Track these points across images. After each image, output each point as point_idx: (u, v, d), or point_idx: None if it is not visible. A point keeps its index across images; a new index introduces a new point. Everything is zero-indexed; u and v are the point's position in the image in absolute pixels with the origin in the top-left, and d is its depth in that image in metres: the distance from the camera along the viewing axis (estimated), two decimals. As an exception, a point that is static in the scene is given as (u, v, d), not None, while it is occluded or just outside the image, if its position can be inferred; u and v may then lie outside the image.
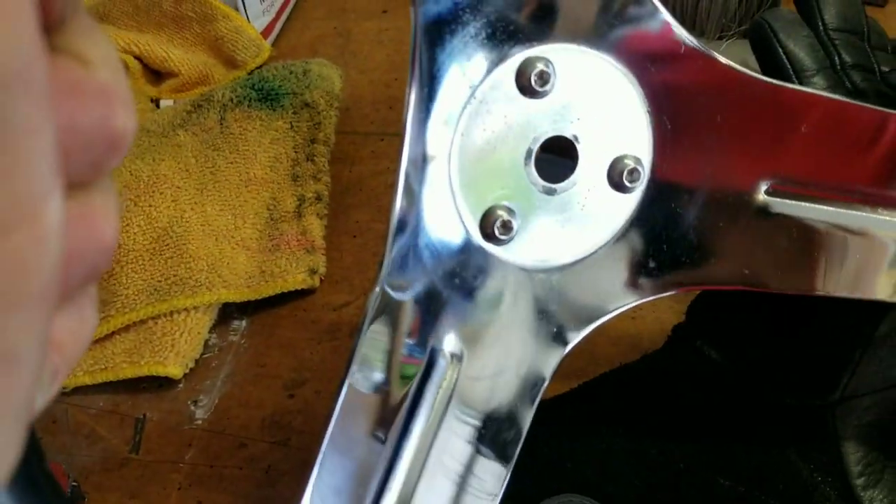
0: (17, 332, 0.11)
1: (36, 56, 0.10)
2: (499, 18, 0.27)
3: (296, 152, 0.51)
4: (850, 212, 0.32)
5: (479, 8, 0.26)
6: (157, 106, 0.57)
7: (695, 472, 0.37)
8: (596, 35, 0.28)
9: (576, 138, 0.29)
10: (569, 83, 0.28)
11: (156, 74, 0.60)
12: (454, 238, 0.29)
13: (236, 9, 0.60)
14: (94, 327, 0.15)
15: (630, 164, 0.29)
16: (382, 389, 0.29)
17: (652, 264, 0.31)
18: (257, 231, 0.48)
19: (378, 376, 0.28)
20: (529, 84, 0.27)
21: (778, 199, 0.31)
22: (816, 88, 0.48)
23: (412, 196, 0.27)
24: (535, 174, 0.29)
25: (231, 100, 0.52)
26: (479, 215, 0.28)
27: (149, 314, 0.45)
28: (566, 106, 0.28)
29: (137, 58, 0.58)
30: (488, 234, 0.29)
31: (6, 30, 0.10)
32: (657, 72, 0.29)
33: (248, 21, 0.60)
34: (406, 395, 0.29)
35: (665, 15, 0.28)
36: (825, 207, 0.32)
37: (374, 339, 0.28)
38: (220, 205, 0.48)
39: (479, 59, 0.27)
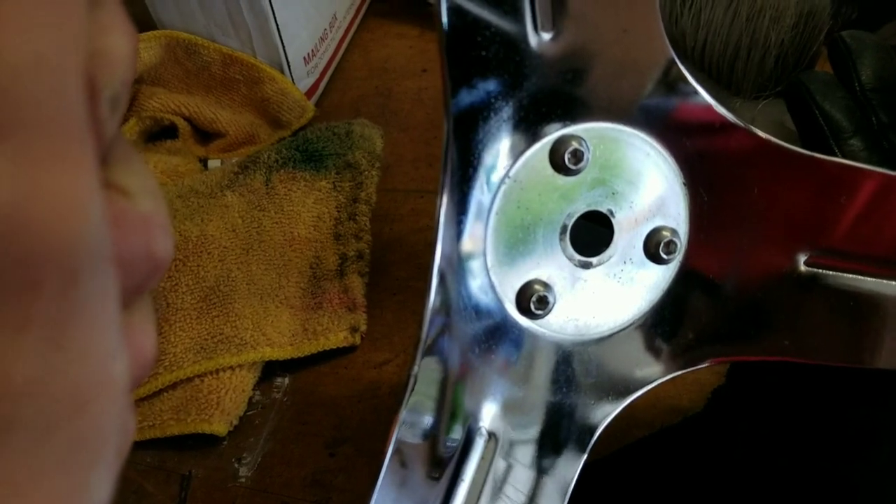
0: (98, 479, 0.12)
1: (104, 233, 0.11)
2: (531, 102, 0.27)
3: (338, 212, 0.53)
4: (893, 283, 0.32)
5: (511, 94, 0.27)
6: (206, 166, 0.59)
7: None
8: (629, 114, 0.29)
9: (611, 213, 0.29)
10: (602, 160, 0.29)
11: (204, 135, 0.62)
12: (490, 315, 0.29)
13: (282, 71, 0.62)
14: (134, 427, 0.16)
15: (667, 235, 0.30)
16: (421, 469, 0.29)
17: (690, 335, 0.32)
18: (300, 290, 0.50)
19: (417, 455, 0.29)
20: (563, 162, 0.28)
21: (817, 271, 0.31)
22: (854, 150, 0.48)
23: (447, 275, 0.28)
24: (571, 249, 0.29)
25: (276, 161, 0.53)
26: (515, 291, 0.29)
27: (195, 372, 0.46)
28: (600, 182, 0.29)
29: (187, 119, 0.60)
30: (525, 309, 0.29)
31: (79, 219, 0.10)
32: (693, 146, 0.30)
33: (293, 83, 0.62)
34: (444, 473, 0.29)
35: (702, 93, 0.29)
36: (866, 279, 0.32)
37: (413, 418, 0.28)
38: (265, 264, 0.50)
39: (512, 141, 0.28)
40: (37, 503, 0.11)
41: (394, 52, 0.70)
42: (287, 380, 0.49)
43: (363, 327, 0.49)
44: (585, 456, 0.31)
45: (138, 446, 0.46)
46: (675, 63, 0.28)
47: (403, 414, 0.28)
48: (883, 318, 0.33)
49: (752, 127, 0.30)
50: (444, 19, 0.25)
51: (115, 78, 0.13)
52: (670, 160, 0.30)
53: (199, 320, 0.47)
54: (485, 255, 0.28)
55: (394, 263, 0.55)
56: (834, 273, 0.32)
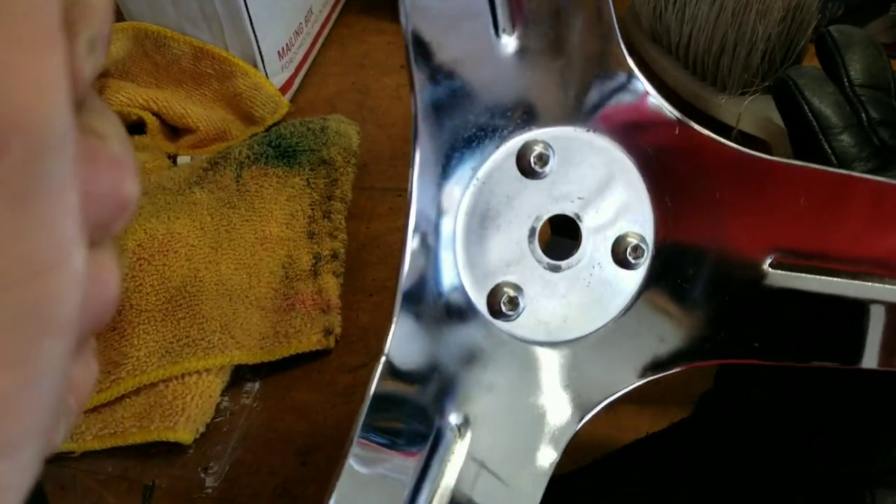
0: (46, 356, 0.13)
1: (69, 125, 0.12)
2: (496, 105, 0.28)
3: (312, 209, 0.51)
4: (857, 282, 0.31)
5: (476, 97, 0.28)
6: (175, 162, 0.56)
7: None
8: (589, 118, 0.29)
9: (578, 217, 0.30)
10: (569, 164, 0.29)
11: (174, 131, 0.60)
12: (461, 314, 0.29)
13: (255, 65, 0.60)
14: (96, 375, 0.17)
15: (633, 241, 0.30)
16: (387, 464, 0.28)
17: (660, 340, 0.31)
18: (272, 290, 0.48)
19: (382, 450, 0.28)
20: (530, 166, 0.28)
21: (783, 272, 0.31)
22: (844, 146, 0.47)
23: (417, 274, 0.28)
24: (540, 251, 0.30)
25: (248, 157, 0.51)
26: (485, 292, 0.29)
27: (160, 377, 0.44)
28: (567, 186, 0.29)
29: (156, 114, 0.58)
30: (495, 311, 0.29)
31: (48, 100, 0.12)
32: (653, 150, 0.30)
33: (267, 77, 0.60)
34: (411, 471, 0.28)
35: (655, 97, 0.29)
36: (831, 279, 0.31)
37: (379, 411, 0.28)
38: (234, 263, 0.48)
39: (478, 143, 0.28)
40: None
41: (372, 48, 0.68)
42: (257, 384, 0.46)
43: (337, 330, 0.47)
44: (558, 458, 0.30)
45: (99, 455, 0.43)
46: (631, 66, 0.29)
47: (368, 407, 0.27)
48: (850, 317, 0.32)
49: (708, 132, 0.30)
50: (406, 19, 0.26)
51: (94, 22, 0.14)
52: (634, 166, 0.30)
53: (164, 322, 0.45)
54: (455, 254, 0.29)
55: (370, 263, 0.53)
56: (799, 274, 0.31)
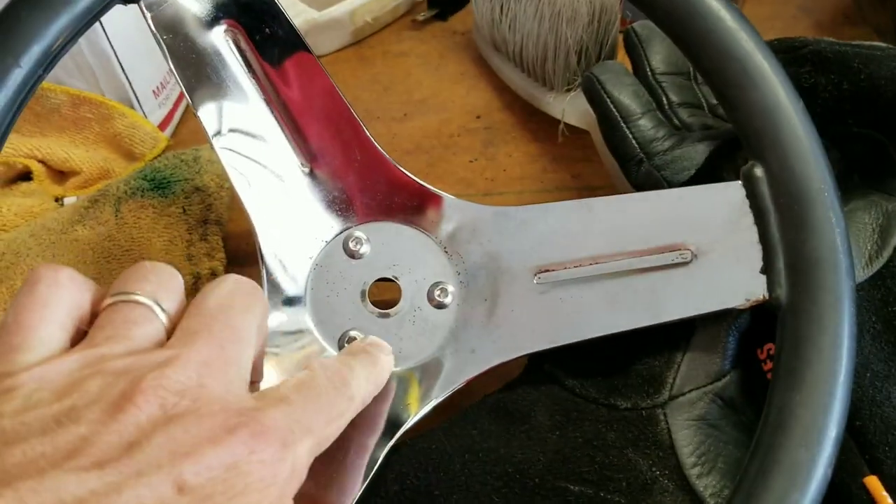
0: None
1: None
2: (317, 213, 0.43)
3: (189, 234, 0.56)
4: (592, 268, 0.41)
5: (300, 208, 0.43)
6: (62, 204, 0.61)
7: (547, 483, 0.41)
8: (386, 211, 0.43)
9: (395, 278, 0.42)
10: (381, 244, 0.43)
11: (61, 174, 0.64)
12: (316, 355, 0.41)
13: (132, 106, 0.65)
14: None
15: (441, 288, 0.42)
16: None
17: (472, 350, 0.41)
18: (155, 310, 0.52)
19: None
20: (351, 251, 0.42)
21: (545, 281, 0.41)
22: (643, 130, 0.53)
23: (276, 325, 0.41)
24: (371, 306, 0.42)
25: (125, 192, 0.56)
26: (335, 339, 0.41)
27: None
28: (382, 258, 0.43)
29: (41, 161, 0.62)
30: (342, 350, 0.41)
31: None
32: (435, 219, 0.43)
33: (145, 116, 0.65)
34: None
35: (424, 185, 0.43)
36: (573, 270, 0.41)
37: None
38: (118, 290, 0.52)
39: (311, 241, 0.43)
40: None
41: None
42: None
43: (219, 339, 0.52)
44: (392, 442, 0.40)
45: None
46: (392, 163, 0.44)
47: None
48: (607, 294, 0.41)
49: (446, 194, 0.44)
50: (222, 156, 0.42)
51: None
52: (429, 237, 0.43)
53: (56, 349, 0.50)
54: (307, 316, 0.42)
55: (253, 276, 0.58)
56: (555, 279, 0.41)
